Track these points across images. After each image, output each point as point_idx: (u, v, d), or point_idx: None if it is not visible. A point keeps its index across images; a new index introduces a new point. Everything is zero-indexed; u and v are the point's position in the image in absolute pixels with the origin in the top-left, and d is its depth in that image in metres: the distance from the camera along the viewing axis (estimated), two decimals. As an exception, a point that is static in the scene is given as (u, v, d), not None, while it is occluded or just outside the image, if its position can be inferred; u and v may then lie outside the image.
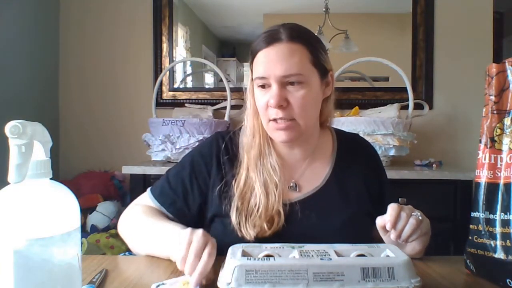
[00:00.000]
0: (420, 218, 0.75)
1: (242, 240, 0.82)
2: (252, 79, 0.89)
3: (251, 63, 0.88)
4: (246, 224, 0.83)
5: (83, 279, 0.65)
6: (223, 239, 0.85)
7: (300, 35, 0.84)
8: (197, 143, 1.84)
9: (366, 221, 0.90)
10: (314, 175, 0.92)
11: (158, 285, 0.64)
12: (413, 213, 0.75)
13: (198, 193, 0.91)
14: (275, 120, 0.84)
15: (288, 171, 0.91)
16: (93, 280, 0.67)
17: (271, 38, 0.83)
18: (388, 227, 0.73)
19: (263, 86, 0.85)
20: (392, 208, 0.74)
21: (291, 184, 0.91)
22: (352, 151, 0.97)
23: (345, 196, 0.90)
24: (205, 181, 0.91)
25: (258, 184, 0.86)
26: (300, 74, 0.82)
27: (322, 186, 0.91)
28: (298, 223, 0.85)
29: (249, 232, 0.82)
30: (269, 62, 0.82)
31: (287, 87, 0.83)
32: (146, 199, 0.94)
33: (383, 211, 0.94)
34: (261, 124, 0.90)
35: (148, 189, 0.96)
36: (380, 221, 0.75)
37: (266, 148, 0.90)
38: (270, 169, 0.87)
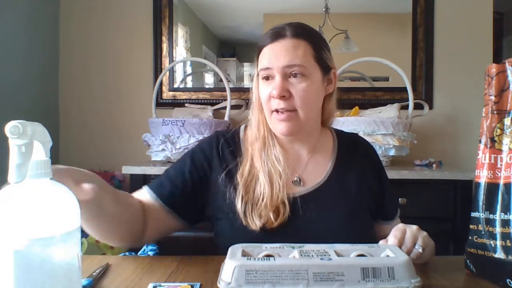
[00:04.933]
0: (421, 251, 0.72)
1: (247, 229, 0.83)
2: (257, 74, 0.92)
3: (257, 58, 0.92)
4: (252, 213, 0.84)
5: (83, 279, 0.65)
6: (230, 230, 0.87)
7: (304, 32, 0.88)
8: (197, 143, 1.84)
9: (367, 218, 0.93)
10: (316, 171, 0.93)
11: (155, 286, 0.64)
12: (415, 246, 0.73)
13: (199, 186, 0.91)
14: (277, 111, 0.87)
15: (291, 165, 0.92)
16: (93, 274, 0.67)
17: (277, 34, 0.88)
18: None
19: (267, 78, 0.88)
20: (393, 240, 0.72)
21: (295, 179, 0.92)
22: (352, 150, 0.98)
23: (346, 192, 0.91)
24: (205, 173, 0.92)
25: (263, 174, 0.87)
26: (302, 65, 0.85)
27: (324, 181, 0.92)
28: (302, 217, 0.86)
29: (255, 222, 0.83)
30: (274, 54, 0.86)
31: (289, 79, 0.86)
32: (141, 193, 0.89)
33: (383, 209, 0.95)
34: (265, 117, 0.92)
35: (145, 185, 0.92)
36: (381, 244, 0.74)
37: (270, 140, 0.92)
38: (274, 160, 0.89)
